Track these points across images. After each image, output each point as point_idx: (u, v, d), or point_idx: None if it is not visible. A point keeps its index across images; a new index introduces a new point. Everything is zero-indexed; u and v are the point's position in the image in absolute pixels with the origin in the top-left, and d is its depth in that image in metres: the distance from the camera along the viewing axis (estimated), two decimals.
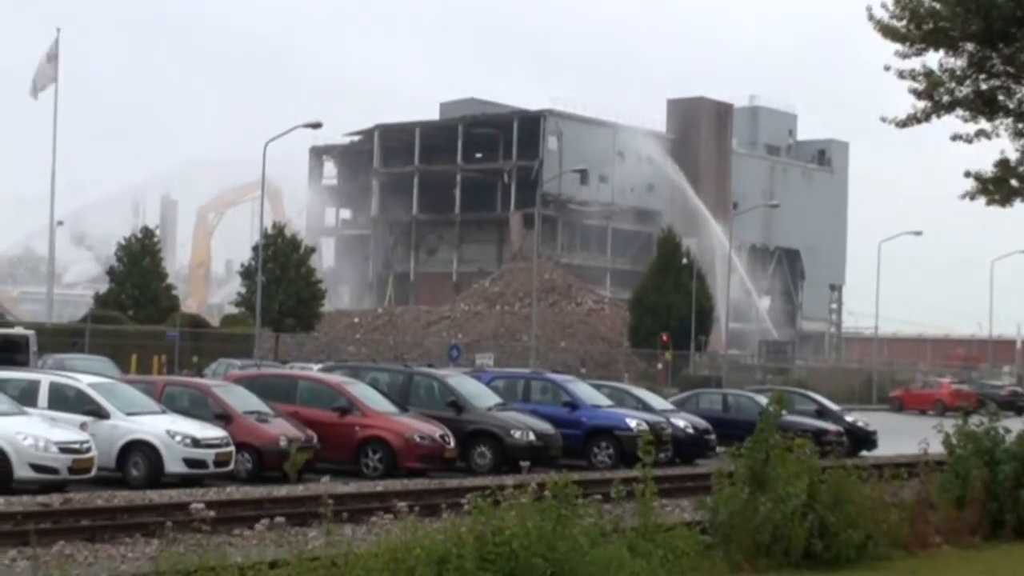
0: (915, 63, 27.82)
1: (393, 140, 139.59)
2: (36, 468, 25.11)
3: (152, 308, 78.93)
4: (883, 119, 28.96)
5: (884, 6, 27.37)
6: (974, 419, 23.68)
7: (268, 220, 77.28)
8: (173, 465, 27.57)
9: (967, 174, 29.29)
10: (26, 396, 28.14)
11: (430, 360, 67.00)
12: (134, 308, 78.71)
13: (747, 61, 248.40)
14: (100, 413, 27.86)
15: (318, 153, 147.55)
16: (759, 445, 18.43)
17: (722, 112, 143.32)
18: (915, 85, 27.78)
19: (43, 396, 28.34)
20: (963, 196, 29.67)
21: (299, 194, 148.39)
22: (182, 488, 26.48)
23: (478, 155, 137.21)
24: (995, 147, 29.02)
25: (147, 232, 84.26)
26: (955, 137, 28.58)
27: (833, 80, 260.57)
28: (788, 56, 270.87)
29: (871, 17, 27.58)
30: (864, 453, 42.73)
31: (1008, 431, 23.59)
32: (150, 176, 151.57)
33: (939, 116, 28.16)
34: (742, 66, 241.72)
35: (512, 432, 33.56)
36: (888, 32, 27.45)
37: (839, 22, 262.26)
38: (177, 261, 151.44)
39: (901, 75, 27.90)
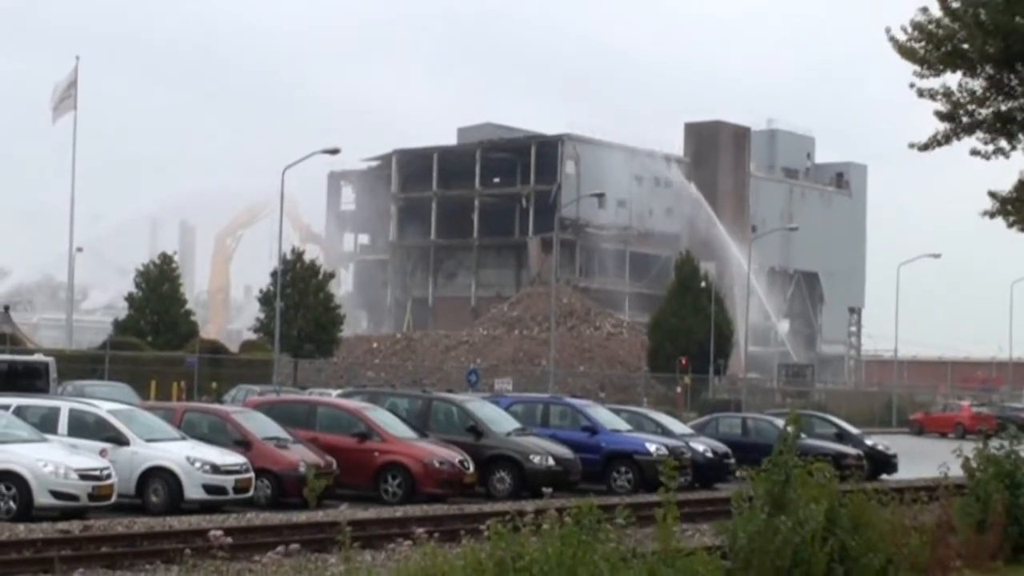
0: (935, 83, 27.87)
1: (411, 165, 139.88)
2: (56, 495, 25.14)
3: (171, 334, 79.06)
4: (910, 145, 28.96)
5: (904, 29, 27.39)
6: (994, 442, 23.58)
7: (287, 244, 77.28)
8: (193, 491, 27.58)
9: (990, 194, 29.28)
10: (46, 423, 28.21)
11: (449, 385, 67.06)
12: (153, 334, 78.84)
13: (765, 85, 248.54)
14: (120, 440, 27.90)
15: (336, 179, 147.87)
16: (778, 467, 18.36)
17: (740, 135, 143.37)
18: (938, 106, 27.78)
19: (63, 423, 28.40)
20: (983, 214, 29.64)
21: (317, 220, 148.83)
22: (202, 514, 26.49)
23: (496, 180, 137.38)
24: (1013, 166, 29.03)
25: (166, 258, 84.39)
26: (973, 152, 28.57)
27: (851, 104, 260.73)
28: (806, 80, 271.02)
29: (891, 38, 27.60)
30: (884, 477, 42.59)
31: None
32: (168, 200, 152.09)
33: (959, 139, 28.17)
34: (760, 90, 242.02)
35: (531, 457, 33.53)
36: (907, 53, 27.46)
37: (857, 47, 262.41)
38: (196, 287, 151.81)
39: (921, 94, 27.90)
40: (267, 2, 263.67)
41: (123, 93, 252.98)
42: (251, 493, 28.46)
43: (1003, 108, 27.84)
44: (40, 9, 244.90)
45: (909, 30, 27.39)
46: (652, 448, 36.25)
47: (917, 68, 27.76)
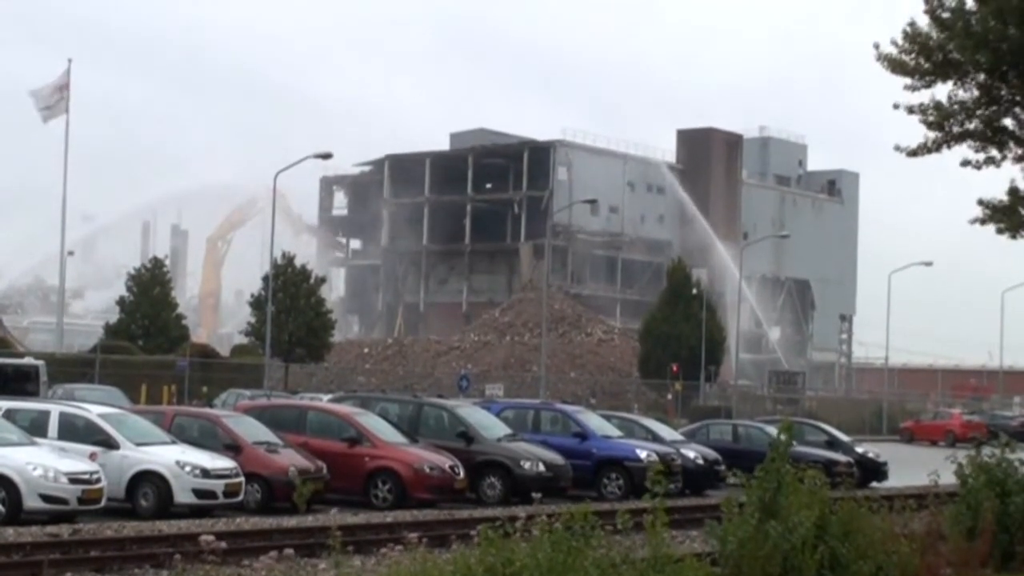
0: (924, 96, 27.89)
1: (403, 170, 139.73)
2: (46, 498, 25.10)
3: (162, 338, 78.97)
4: (896, 147, 28.98)
5: (893, 42, 27.42)
6: (986, 450, 23.61)
7: (280, 241, 77.07)
8: (183, 496, 27.54)
9: (979, 202, 29.29)
10: (36, 426, 28.18)
11: (440, 390, 67.03)
12: (144, 338, 78.75)
13: (757, 92, 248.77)
14: (110, 443, 27.86)
15: (328, 183, 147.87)
16: (770, 474, 18.36)
17: (732, 143, 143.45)
18: (927, 117, 27.80)
19: (53, 426, 28.36)
20: (972, 221, 29.66)
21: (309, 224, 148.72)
22: (191, 519, 26.44)
23: (488, 185, 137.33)
24: (1004, 175, 29.06)
25: (157, 262, 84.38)
26: (964, 163, 28.60)
27: (843, 111, 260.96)
28: (798, 87, 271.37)
29: (879, 56, 27.61)
30: (874, 484, 42.63)
31: (1021, 462, 23.50)
32: (159, 201, 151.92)
33: (949, 147, 28.18)
34: (752, 97, 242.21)
35: (522, 463, 33.51)
36: (897, 67, 27.49)
37: (849, 55, 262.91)
38: (187, 291, 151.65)
39: (911, 110, 27.92)
40: (260, 4, 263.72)
41: (114, 93, 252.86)
42: (241, 497, 28.44)
43: (993, 117, 27.85)
44: (32, 6, 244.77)
45: (899, 42, 27.40)
46: (643, 454, 36.23)
47: (907, 81, 27.77)
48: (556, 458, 34.63)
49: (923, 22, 27.30)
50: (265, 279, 76.45)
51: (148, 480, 27.60)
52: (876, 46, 27.76)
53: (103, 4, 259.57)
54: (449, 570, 14.11)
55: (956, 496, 23.31)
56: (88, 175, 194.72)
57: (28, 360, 47.17)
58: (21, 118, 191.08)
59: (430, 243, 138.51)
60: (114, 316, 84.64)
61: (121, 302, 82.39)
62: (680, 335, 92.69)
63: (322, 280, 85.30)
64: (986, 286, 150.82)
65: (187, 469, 27.62)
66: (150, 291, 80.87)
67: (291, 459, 30.02)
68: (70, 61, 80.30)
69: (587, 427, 38.01)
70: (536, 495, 20.58)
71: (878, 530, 19.68)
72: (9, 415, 28.30)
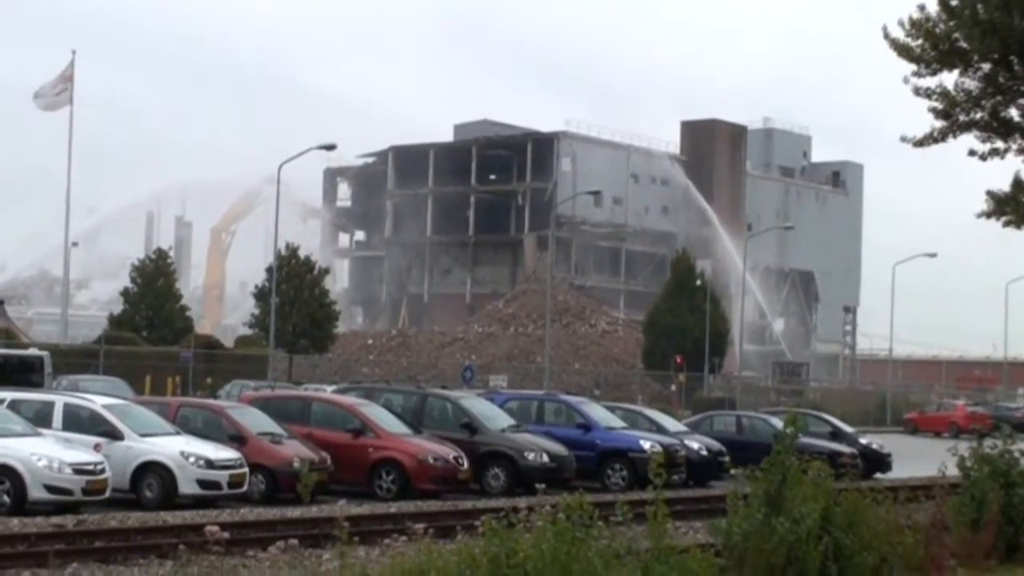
0: (930, 83, 27.86)
1: (407, 162, 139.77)
2: (50, 489, 25.12)
3: (166, 329, 79.05)
4: (902, 138, 28.95)
5: (901, 24, 27.37)
6: (989, 442, 23.59)
7: (286, 231, 77.09)
8: (187, 486, 27.55)
9: (988, 192, 29.27)
10: (40, 417, 28.18)
11: (444, 382, 67.03)
12: (148, 329, 78.84)
13: (761, 83, 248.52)
14: (114, 434, 27.87)
15: (332, 175, 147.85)
16: (776, 467, 18.35)
17: (736, 134, 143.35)
18: (933, 104, 27.76)
19: (57, 417, 28.36)
20: (979, 215, 29.63)
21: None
22: (196, 509, 26.48)
23: (492, 177, 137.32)
24: (1009, 166, 29.04)
25: (161, 253, 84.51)
26: (971, 152, 28.58)
27: (847, 102, 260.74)
28: (802, 79, 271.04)
29: (887, 36, 27.57)
30: (878, 475, 42.62)
31: (1022, 453, 23.49)
32: (163, 189, 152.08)
33: (955, 136, 28.14)
34: (756, 88, 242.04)
35: (526, 454, 33.52)
36: (903, 52, 27.45)
37: (855, 45, 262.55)
38: (191, 282, 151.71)
39: (918, 92, 27.87)
40: None
41: (117, 86, 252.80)
42: (245, 488, 28.44)
43: (999, 107, 27.81)
44: (34, 1, 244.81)
45: (907, 27, 27.36)
46: (647, 445, 36.20)
47: (913, 68, 27.74)
48: (560, 449, 34.64)
49: (932, 9, 27.26)
50: (269, 270, 76.48)
51: (152, 471, 27.59)
52: (884, 28, 27.71)
53: None
54: (453, 561, 14.11)
55: (960, 487, 23.30)
56: (92, 167, 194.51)
57: (33, 351, 47.28)
58: (24, 112, 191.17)
59: (434, 234, 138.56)
60: (118, 307, 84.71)
61: (125, 293, 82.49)
62: (684, 326, 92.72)
63: (326, 271, 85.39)
64: (990, 278, 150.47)
65: (191, 460, 27.63)
66: (154, 282, 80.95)
67: (295, 450, 30.03)
68: (74, 53, 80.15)
69: (591, 418, 38.00)
70: (540, 486, 20.53)
71: (882, 521, 19.67)
72: (14, 406, 28.29)
